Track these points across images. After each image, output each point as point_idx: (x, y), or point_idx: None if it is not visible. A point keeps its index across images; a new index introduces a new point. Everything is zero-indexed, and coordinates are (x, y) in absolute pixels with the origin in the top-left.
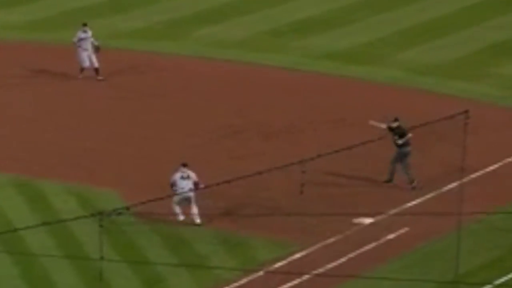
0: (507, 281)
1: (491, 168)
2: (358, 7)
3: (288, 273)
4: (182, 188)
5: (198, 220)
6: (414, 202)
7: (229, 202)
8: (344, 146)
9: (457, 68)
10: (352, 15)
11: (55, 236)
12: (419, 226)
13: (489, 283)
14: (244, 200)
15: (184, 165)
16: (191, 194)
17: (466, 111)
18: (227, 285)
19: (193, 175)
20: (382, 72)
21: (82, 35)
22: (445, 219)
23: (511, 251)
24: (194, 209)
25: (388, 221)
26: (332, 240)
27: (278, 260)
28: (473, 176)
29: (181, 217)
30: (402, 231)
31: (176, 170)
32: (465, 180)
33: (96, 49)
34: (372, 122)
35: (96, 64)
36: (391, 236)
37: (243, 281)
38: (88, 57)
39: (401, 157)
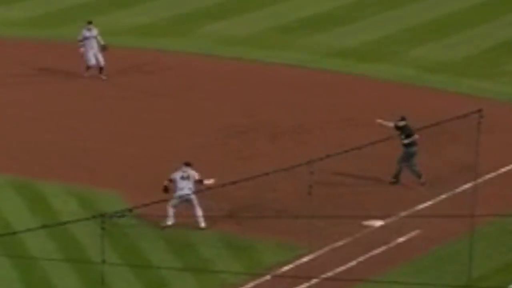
0: None
1: (505, 169)
2: (368, 4)
3: (296, 277)
4: (181, 189)
5: (202, 224)
6: (425, 204)
7: (234, 204)
8: (354, 146)
9: (469, 66)
10: (362, 11)
11: (55, 238)
12: (431, 228)
13: (504, 287)
14: (250, 202)
15: (187, 164)
16: (191, 195)
17: (479, 110)
18: None
19: (194, 174)
20: (392, 70)
21: (87, 33)
22: (458, 222)
23: None
24: (198, 212)
25: (399, 223)
26: (341, 243)
27: (285, 263)
28: (486, 177)
29: (170, 222)
30: (413, 234)
31: (177, 169)
32: (478, 181)
33: (103, 48)
34: (379, 121)
35: (102, 63)
36: (402, 239)
37: (249, 285)
38: (94, 56)
39: (408, 157)
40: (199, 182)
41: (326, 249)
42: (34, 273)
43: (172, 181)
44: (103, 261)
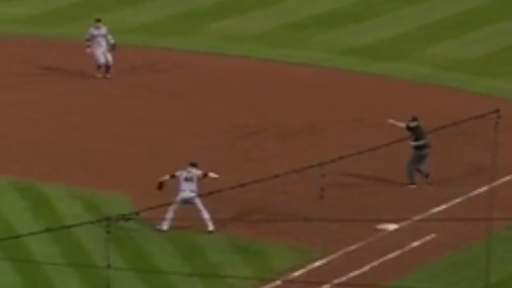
0: None
1: None
2: (384, 0)
3: (307, 283)
4: (183, 191)
5: (211, 228)
6: (440, 207)
7: (243, 206)
8: (367, 147)
9: (488, 65)
10: (377, 7)
11: (59, 242)
12: (447, 232)
13: None
14: (260, 205)
15: (193, 164)
16: (195, 199)
17: (497, 110)
18: None
19: (198, 173)
20: (408, 68)
21: (95, 31)
22: (475, 225)
23: None
24: (205, 215)
25: (413, 227)
26: (354, 247)
27: (297, 268)
28: (504, 179)
29: (165, 227)
30: (428, 238)
31: (182, 169)
32: (495, 183)
33: (112, 47)
34: (390, 121)
35: (111, 63)
36: (416, 243)
37: None
38: (103, 54)
39: (419, 159)
40: (204, 176)
41: (338, 253)
42: (37, 278)
43: (174, 177)
44: (108, 266)
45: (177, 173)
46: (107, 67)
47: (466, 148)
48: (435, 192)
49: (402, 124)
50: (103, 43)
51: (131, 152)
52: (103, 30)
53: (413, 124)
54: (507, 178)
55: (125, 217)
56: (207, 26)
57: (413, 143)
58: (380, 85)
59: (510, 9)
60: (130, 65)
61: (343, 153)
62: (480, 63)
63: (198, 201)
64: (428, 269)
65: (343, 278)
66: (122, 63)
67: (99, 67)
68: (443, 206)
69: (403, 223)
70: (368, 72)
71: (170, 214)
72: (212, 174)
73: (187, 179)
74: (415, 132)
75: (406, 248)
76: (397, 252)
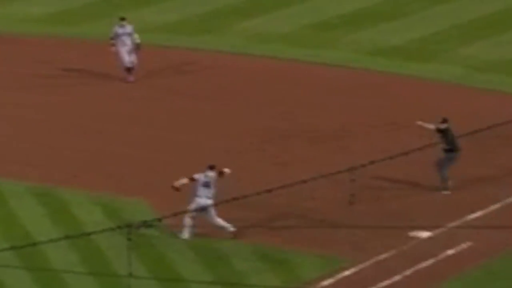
0: None
1: None
2: None
3: None
4: (199, 196)
5: (231, 228)
6: (476, 214)
7: (270, 213)
8: (399, 151)
9: None
10: (408, 6)
11: (79, 250)
12: (483, 240)
13: None
14: (287, 211)
15: (211, 167)
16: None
17: None
18: None
19: (215, 176)
20: (440, 69)
21: (119, 30)
22: (511, 233)
23: None
24: (220, 222)
25: (447, 234)
26: (385, 255)
27: (325, 277)
28: None
29: (187, 235)
30: (463, 246)
31: (201, 172)
32: None
33: (137, 47)
34: (419, 123)
35: (135, 63)
36: (451, 251)
37: None
38: (127, 53)
39: (448, 162)
40: (220, 175)
41: (369, 262)
42: (55, 287)
43: (193, 180)
44: (130, 274)
45: (197, 176)
46: (130, 68)
47: (501, 152)
48: (470, 197)
49: (432, 126)
50: (128, 41)
51: (154, 156)
52: (128, 28)
53: (443, 126)
54: None
55: (147, 224)
56: (233, 26)
57: (446, 146)
58: (411, 87)
59: None
60: (154, 66)
61: (374, 157)
62: None
63: (211, 209)
64: (463, 279)
65: None
66: (145, 64)
67: (128, 69)
68: (479, 213)
69: (436, 231)
70: (399, 73)
71: (188, 222)
72: (226, 170)
73: (205, 185)
74: (445, 135)
75: (440, 257)
76: (431, 261)
